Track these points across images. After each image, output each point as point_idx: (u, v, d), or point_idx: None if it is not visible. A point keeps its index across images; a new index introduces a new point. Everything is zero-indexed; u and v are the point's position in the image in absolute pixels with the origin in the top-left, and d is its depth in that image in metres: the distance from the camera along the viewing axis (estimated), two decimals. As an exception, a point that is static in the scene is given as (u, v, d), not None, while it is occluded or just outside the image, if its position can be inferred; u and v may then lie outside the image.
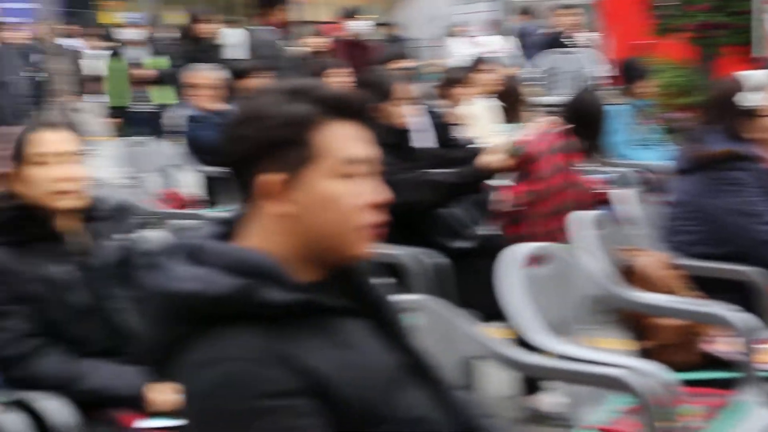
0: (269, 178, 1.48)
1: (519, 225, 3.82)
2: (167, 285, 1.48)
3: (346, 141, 1.51)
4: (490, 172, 3.74)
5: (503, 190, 3.94)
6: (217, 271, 1.46)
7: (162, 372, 1.54)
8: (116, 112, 8.82)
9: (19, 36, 8.36)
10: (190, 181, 6.28)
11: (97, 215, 2.61)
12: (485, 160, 3.73)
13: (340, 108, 1.52)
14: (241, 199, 1.55)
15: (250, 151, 1.50)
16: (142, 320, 2.59)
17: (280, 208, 1.49)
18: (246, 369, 1.40)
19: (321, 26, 10.13)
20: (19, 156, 2.49)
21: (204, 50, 7.49)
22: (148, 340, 1.54)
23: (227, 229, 1.58)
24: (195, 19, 7.87)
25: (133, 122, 8.22)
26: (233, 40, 7.57)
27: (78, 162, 2.53)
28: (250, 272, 1.45)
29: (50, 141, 2.51)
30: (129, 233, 2.66)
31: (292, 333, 1.45)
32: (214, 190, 5.83)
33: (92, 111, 10.42)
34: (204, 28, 7.84)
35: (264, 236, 1.52)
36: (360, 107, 1.55)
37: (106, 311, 2.53)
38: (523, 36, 11.91)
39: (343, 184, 1.50)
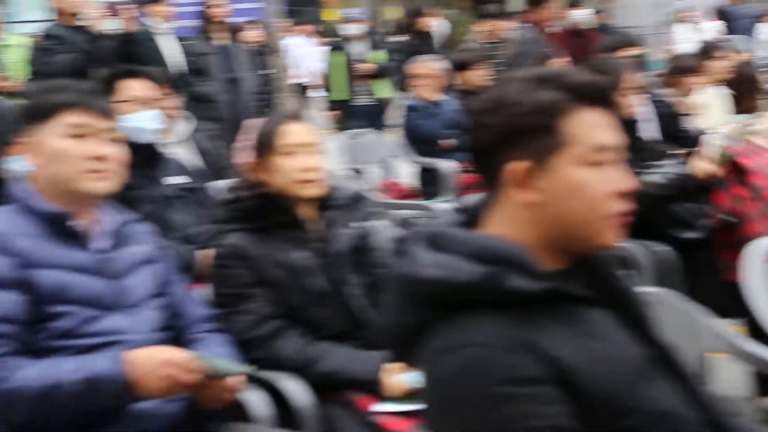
0: (515, 166, 1.48)
1: (731, 232, 3.61)
2: (411, 271, 1.50)
3: (594, 128, 1.49)
4: (699, 180, 3.58)
5: (715, 195, 3.74)
6: (460, 258, 1.47)
7: (403, 357, 1.58)
8: (337, 105, 9.10)
9: (249, 35, 8.78)
10: (409, 172, 6.39)
11: (334, 204, 2.70)
12: (694, 167, 3.58)
13: (589, 94, 1.50)
14: (484, 187, 1.55)
15: (496, 138, 1.50)
16: (374, 306, 2.67)
17: (526, 196, 1.49)
18: (491, 355, 1.40)
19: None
20: (265, 146, 2.61)
21: (425, 43, 7.61)
22: (391, 324, 1.57)
23: (467, 218, 1.60)
24: (416, 13, 8.01)
25: (354, 115, 8.44)
26: (440, 31, 7.63)
27: (319, 153, 2.63)
28: (495, 260, 1.46)
29: (296, 132, 2.62)
30: (362, 222, 2.73)
31: (535, 321, 1.44)
32: (430, 180, 5.92)
33: (315, 105, 10.79)
34: (425, 22, 7.97)
35: (508, 224, 1.52)
36: (607, 93, 1.53)
37: (341, 296, 2.62)
38: (731, 20, 11.30)
39: (592, 171, 1.47)
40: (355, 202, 2.74)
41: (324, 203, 2.68)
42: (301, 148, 2.60)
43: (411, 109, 6.08)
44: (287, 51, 10.86)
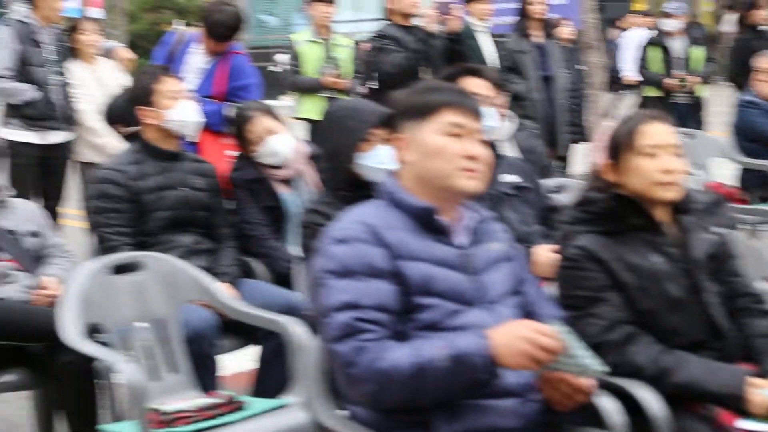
0: None
1: None
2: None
3: None
4: None
5: None
6: None
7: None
8: (652, 101, 8.80)
9: (563, 31, 8.70)
10: (729, 174, 6.08)
11: (690, 208, 2.59)
12: None
13: None
14: None
15: None
16: (731, 316, 2.54)
17: None
18: None
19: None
20: (624, 146, 2.54)
21: (760, 37, 7.20)
22: None
23: None
24: (750, 6, 7.59)
25: (672, 113, 8.12)
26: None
27: (679, 154, 2.54)
28: None
29: (660, 133, 2.54)
30: (722, 227, 2.60)
31: None
32: (754, 182, 5.60)
33: (628, 102, 10.54)
34: (761, 15, 7.55)
35: None
36: None
37: (699, 304, 2.51)
38: None
39: None
40: (715, 206, 2.62)
41: (679, 207, 2.58)
42: (663, 149, 2.52)
43: (750, 104, 5.80)
44: (599, 48, 10.66)
